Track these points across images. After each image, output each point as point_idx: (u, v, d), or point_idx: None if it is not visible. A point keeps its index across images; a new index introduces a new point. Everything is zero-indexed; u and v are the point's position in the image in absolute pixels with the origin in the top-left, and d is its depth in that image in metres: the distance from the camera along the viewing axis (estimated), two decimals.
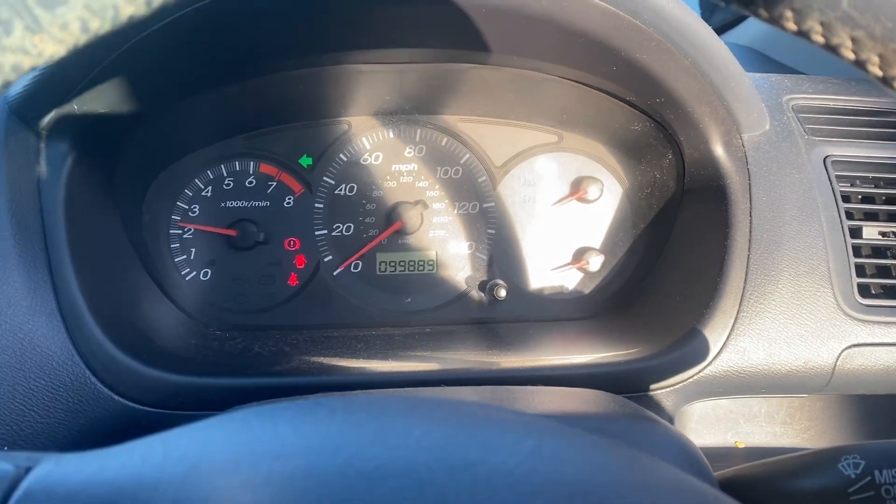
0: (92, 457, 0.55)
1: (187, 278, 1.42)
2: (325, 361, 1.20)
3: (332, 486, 0.49)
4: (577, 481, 0.53)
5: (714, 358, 1.17)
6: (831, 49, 0.48)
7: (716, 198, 1.24)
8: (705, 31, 1.11)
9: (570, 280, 1.48)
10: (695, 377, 1.17)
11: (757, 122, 1.24)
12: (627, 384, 1.17)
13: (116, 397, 1.09)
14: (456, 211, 1.47)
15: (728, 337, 1.17)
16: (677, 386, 1.18)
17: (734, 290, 1.17)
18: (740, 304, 1.17)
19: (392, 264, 1.46)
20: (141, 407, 1.11)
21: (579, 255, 1.46)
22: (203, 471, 0.51)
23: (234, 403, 1.11)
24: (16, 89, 1.09)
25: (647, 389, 1.18)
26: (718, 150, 1.23)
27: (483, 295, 1.46)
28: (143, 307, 1.27)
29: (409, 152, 1.46)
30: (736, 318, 1.17)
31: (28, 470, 0.53)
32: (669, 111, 1.22)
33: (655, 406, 1.19)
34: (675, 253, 1.35)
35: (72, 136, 1.13)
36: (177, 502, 0.49)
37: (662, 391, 1.18)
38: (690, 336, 1.18)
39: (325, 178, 1.45)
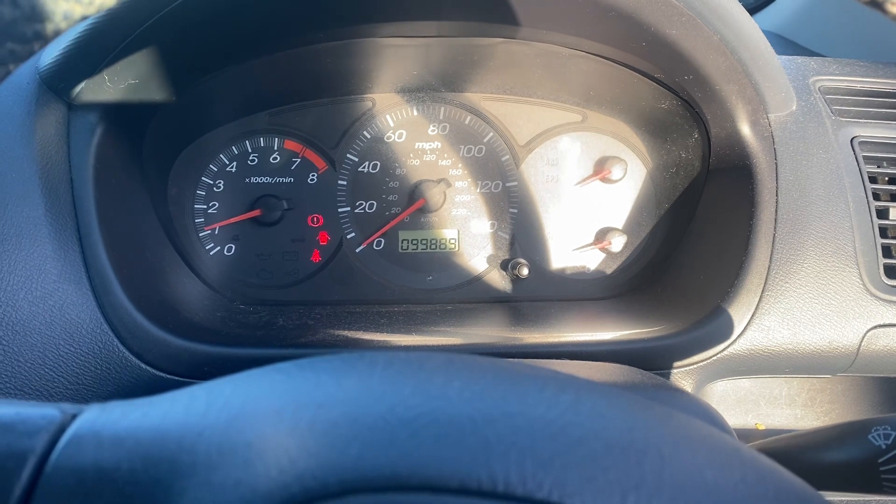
0: (136, 404, 0.56)
1: (211, 253, 1.43)
2: (349, 335, 1.21)
3: (375, 433, 0.50)
4: (615, 435, 0.53)
5: (738, 336, 1.16)
6: None
7: (742, 177, 1.24)
8: (736, 8, 1.10)
9: (592, 260, 1.48)
10: (718, 355, 1.17)
11: (784, 102, 1.23)
12: (650, 361, 1.17)
13: (143, 366, 1.10)
14: (479, 189, 1.47)
15: (752, 315, 1.16)
16: (701, 364, 1.18)
17: (759, 268, 1.17)
18: (765, 282, 1.17)
19: (414, 242, 1.46)
20: (167, 376, 1.12)
21: (602, 235, 1.46)
22: (247, 418, 0.52)
23: None
24: (47, 59, 1.10)
25: (670, 367, 1.18)
26: (745, 130, 1.23)
27: (505, 274, 1.46)
28: (169, 280, 1.28)
29: (433, 130, 1.46)
30: (761, 297, 1.17)
31: (74, 416, 0.54)
32: (697, 89, 1.22)
33: (680, 384, 1.19)
34: (699, 233, 1.34)
35: (101, 108, 1.14)
36: (221, 447, 0.50)
37: (685, 369, 1.18)
38: (714, 314, 1.17)
39: (348, 156, 1.45)
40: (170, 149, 1.38)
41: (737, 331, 1.17)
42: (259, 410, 0.52)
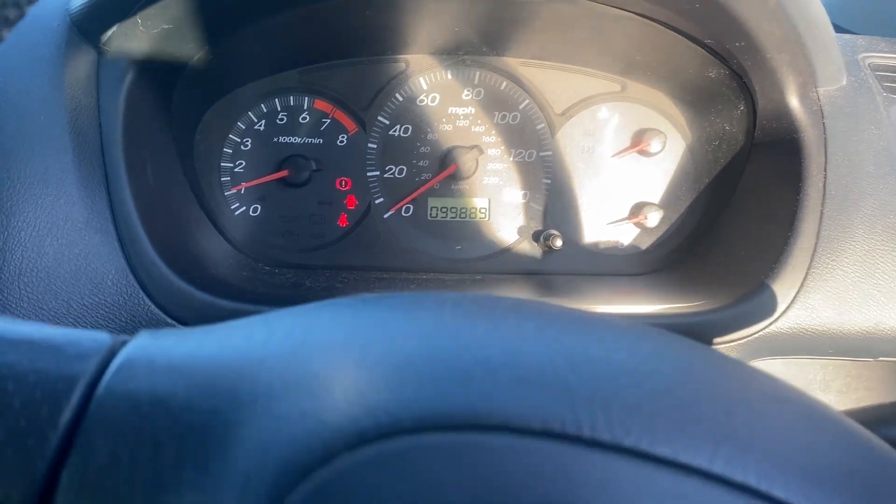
0: (190, 333, 0.52)
1: (237, 213, 1.40)
2: None
3: (450, 370, 0.46)
4: (702, 386, 0.50)
5: (782, 314, 1.12)
6: None
7: (789, 151, 1.19)
8: None
9: (627, 235, 1.44)
10: (760, 333, 1.13)
11: (834, 76, 1.19)
12: (696, 337, 1.13)
13: (169, 320, 1.07)
14: (512, 158, 1.43)
15: (797, 293, 1.12)
16: (741, 341, 1.14)
17: (806, 245, 1.13)
18: (811, 260, 1.13)
19: (443, 210, 1.43)
20: None
21: (637, 209, 1.42)
22: (312, 348, 0.48)
23: None
24: (78, 1, 1.06)
25: (710, 343, 1.14)
26: (794, 102, 1.18)
27: (536, 245, 1.42)
28: (195, 235, 1.24)
29: (467, 95, 1.42)
30: (806, 275, 1.12)
31: (125, 342, 0.50)
32: (747, 57, 1.17)
33: None
34: (740, 208, 1.30)
35: (131, 55, 1.10)
36: (284, 378, 0.46)
37: (724, 346, 1.14)
38: (758, 290, 1.13)
39: (379, 118, 1.41)
40: (198, 103, 1.34)
41: (780, 308, 1.13)
42: (324, 341, 0.49)
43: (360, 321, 0.51)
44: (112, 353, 0.48)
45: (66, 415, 0.45)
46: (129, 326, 1.05)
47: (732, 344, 1.14)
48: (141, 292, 1.06)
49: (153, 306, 1.06)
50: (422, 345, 0.48)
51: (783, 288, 1.13)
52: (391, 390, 0.45)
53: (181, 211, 1.23)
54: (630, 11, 1.19)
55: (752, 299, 1.13)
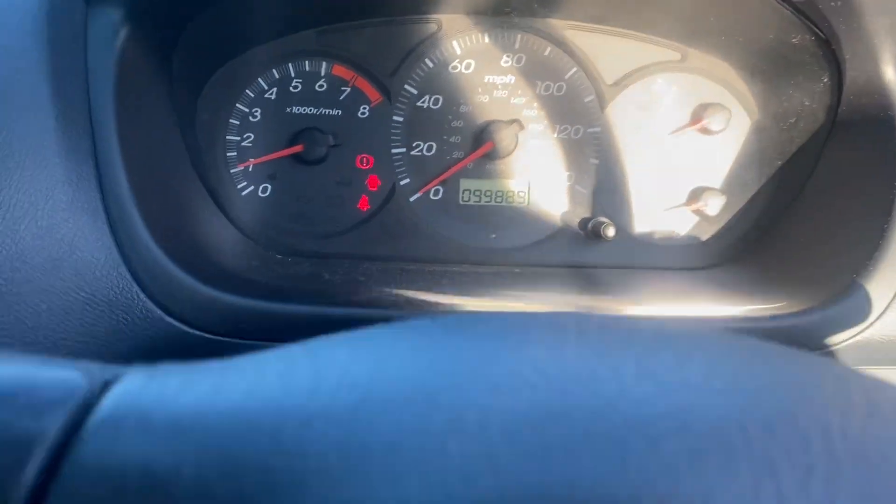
0: (200, 372, 0.36)
1: (244, 193, 1.23)
2: (410, 295, 1.01)
3: (597, 439, 0.30)
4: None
5: (877, 318, 0.98)
6: None
7: (881, 130, 1.04)
8: None
9: (684, 224, 1.28)
10: (851, 340, 0.98)
11: None
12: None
13: (167, 318, 0.92)
14: (556, 135, 1.26)
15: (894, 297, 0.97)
16: (830, 350, 0.99)
17: None
18: None
19: (477, 193, 1.27)
20: (195, 332, 0.93)
21: (696, 195, 1.26)
22: (383, 402, 0.32)
23: (306, 334, 0.92)
24: None
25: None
26: (890, 74, 1.03)
27: (582, 235, 1.26)
28: (197, 219, 1.08)
29: (506, 62, 1.25)
30: None
31: (107, 385, 0.34)
32: (841, 20, 1.01)
33: None
34: (819, 196, 1.14)
35: (126, 6, 0.93)
36: (344, 449, 0.31)
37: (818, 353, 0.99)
38: (849, 291, 0.98)
39: (406, 87, 1.24)
40: (202, 67, 1.18)
41: (875, 311, 0.98)
42: (402, 393, 0.33)
43: (446, 357, 0.35)
44: (87, 404, 0.33)
45: (18, 495, 0.30)
46: (121, 328, 0.90)
47: (819, 352, 0.99)
48: (135, 285, 0.90)
49: (149, 302, 0.91)
50: (546, 399, 0.32)
51: (879, 288, 0.98)
52: (515, 470, 0.29)
53: (181, 190, 1.07)
54: None
55: (843, 301, 0.98)
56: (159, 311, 0.91)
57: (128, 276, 0.89)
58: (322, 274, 1.10)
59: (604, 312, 1.04)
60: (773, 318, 1.00)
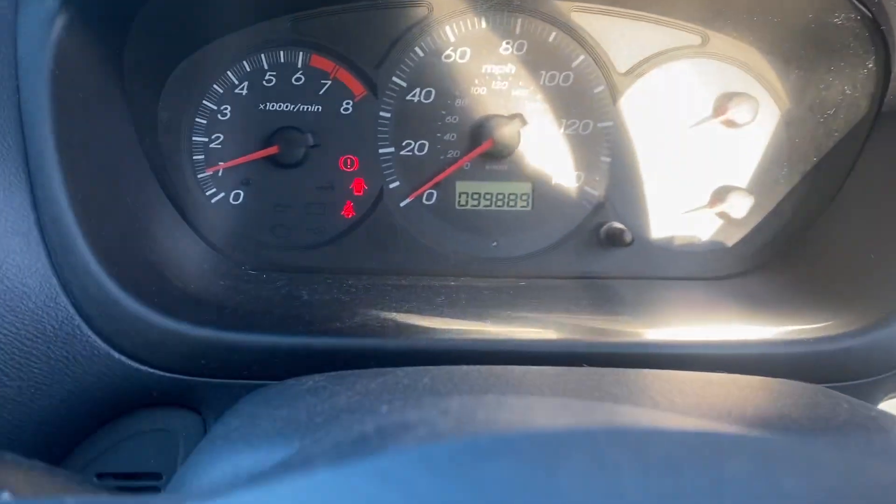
0: None
1: (213, 200, 1.10)
2: (398, 318, 0.88)
3: None
4: None
5: None
6: None
7: None
8: None
9: (707, 228, 1.15)
10: None
11: None
12: (818, 371, 0.85)
13: (117, 355, 0.79)
14: (562, 130, 1.13)
15: None
16: (885, 375, 0.86)
17: None
18: None
19: (476, 196, 1.14)
20: (151, 370, 0.80)
21: (720, 195, 1.13)
22: None
23: (279, 371, 0.80)
24: None
25: (845, 379, 0.86)
26: None
27: (593, 242, 1.13)
28: (156, 234, 0.95)
29: (506, 49, 1.12)
30: None
31: None
32: None
33: None
34: (860, 195, 1.02)
35: None
36: None
37: (863, 382, 0.87)
38: None
39: (394, 79, 1.11)
40: (162, 59, 1.04)
41: None
42: None
43: None
44: None
45: None
46: (62, 365, 0.77)
47: (873, 379, 0.86)
48: (77, 318, 0.77)
49: (95, 337, 0.78)
50: None
51: None
52: None
53: (138, 202, 0.93)
54: None
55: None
56: (106, 347, 0.78)
57: (68, 306, 0.77)
58: (300, 294, 0.97)
59: (620, 331, 0.91)
60: (819, 340, 0.87)
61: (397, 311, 0.92)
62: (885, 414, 0.69)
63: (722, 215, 1.14)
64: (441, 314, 0.92)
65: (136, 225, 0.91)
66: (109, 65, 0.91)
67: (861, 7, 0.93)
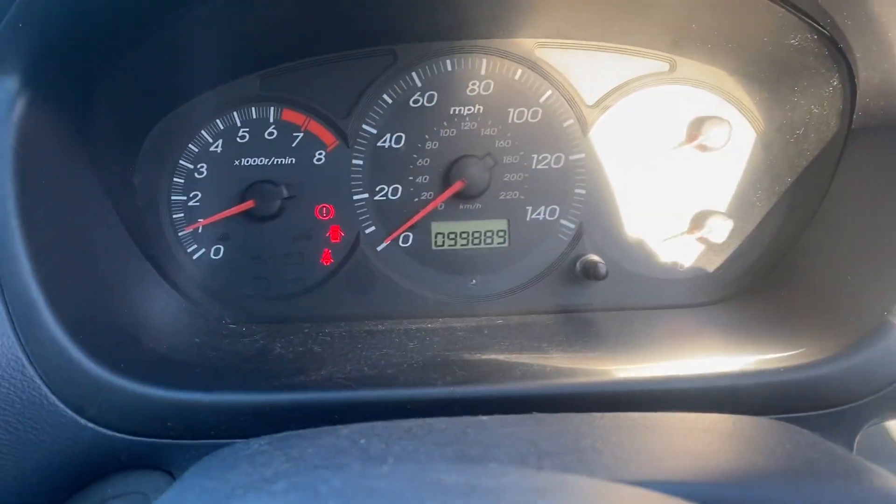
0: None
1: (195, 257, 1.13)
2: (366, 369, 0.88)
3: None
4: None
5: None
6: None
7: None
8: None
9: (688, 254, 1.13)
10: (889, 388, 0.83)
11: None
12: (793, 401, 0.83)
13: (83, 421, 0.80)
14: (534, 165, 1.14)
15: None
16: (863, 401, 0.83)
17: None
18: None
19: (452, 236, 1.14)
20: (119, 435, 0.82)
21: (699, 221, 1.12)
22: None
23: (245, 429, 0.80)
24: None
25: (822, 407, 0.84)
26: None
27: (571, 275, 1.12)
28: (131, 296, 0.97)
29: (473, 90, 1.13)
30: None
31: None
32: (846, 14, 0.87)
33: (831, 430, 0.85)
34: (838, 215, 1.00)
35: (22, 69, 0.83)
36: None
37: (841, 409, 0.84)
38: (882, 330, 0.83)
39: (364, 127, 1.13)
40: (134, 126, 1.07)
41: None
42: None
43: None
44: None
45: None
46: (27, 433, 0.79)
47: (849, 406, 0.84)
48: (43, 386, 0.79)
49: (61, 404, 0.80)
50: None
51: None
52: None
53: (112, 265, 0.96)
54: None
55: (874, 344, 0.83)
56: (73, 414, 0.80)
57: (34, 377, 0.79)
58: (274, 347, 0.98)
59: (601, 369, 0.90)
60: (790, 369, 0.85)
61: (366, 360, 0.92)
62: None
63: (702, 241, 1.12)
64: (410, 361, 0.92)
65: (108, 291, 0.93)
66: (78, 136, 0.94)
67: (816, 27, 0.91)
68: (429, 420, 0.69)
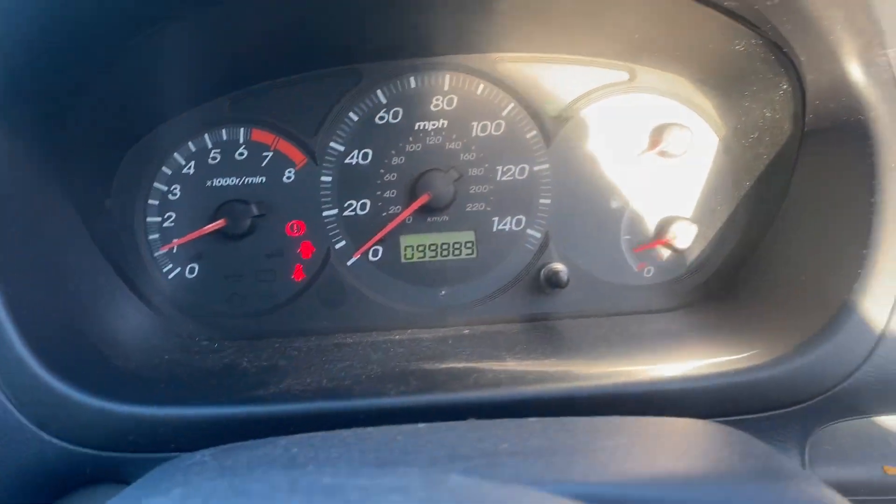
0: None
1: (171, 276, 1.16)
2: (324, 382, 0.90)
3: None
4: None
5: (866, 359, 0.83)
6: None
7: (854, 138, 0.90)
8: None
9: (653, 260, 1.15)
10: (837, 388, 0.83)
11: None
12: (743, 402, 0.84)
13: (47, 437, 0.83)
14: (499, 177, 1.15)
15: (884, 329, 0.83)
16: (812, 402, 0.84)
17: (889, 262, 0.84)
18: None
19: (420, 249, 1.16)
20: (82, 449, 0.84)
21: (664, 227, 1.13)
22: None
23: (202, 443, 0.83)
24: None
25: (771, 409, 0.84)
26: (855, 73, 0.89)
27: (538, 283, 1.14)
28: (103, 315, 1.00)
29: (437, 105, 1.15)
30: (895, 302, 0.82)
31: None
32: (785, 19, 0.88)
33: (782, 431, 0.85)
34: (796, 217, 1.00)
35: None
36: None
37: (789, 411, 0.84)
38: (829, 330, 0.84)
39: (332, 145, 1.16)
40: (107, 152, 1.11)
41: (862, 352, 0.83)
42: None
43: None
44: None
45: None
46: None
47: (799, 408, 0.84)
48: (7, 402, 0.82)
49: (25, 421, 0.83)
50: None
51: (864, 324, 0.84)
52: None
53: (84, 286, 0.99)
54: None
55: (822, 345, 0.84)
56: (37, 430, 0.83)
57: None
58: (241, 362, 1.00)
59: (562, 373, 0.91)
60: (746, 370, 0.85)
61: (327, 373, 0.94)
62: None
63: (667, 246, 1.13)
64: (370, 372, 0.94)
65: (78, 311, 0.96)
66: (50, 163, 0.97)
67: (758, 32, 0.92)
68: (368, 429, 0.71)
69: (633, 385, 0.85)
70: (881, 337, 0.82)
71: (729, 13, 0.91)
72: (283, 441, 0.69)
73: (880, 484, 1.04)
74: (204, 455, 0.69)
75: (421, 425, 0.70)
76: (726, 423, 0.85)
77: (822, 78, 0.92)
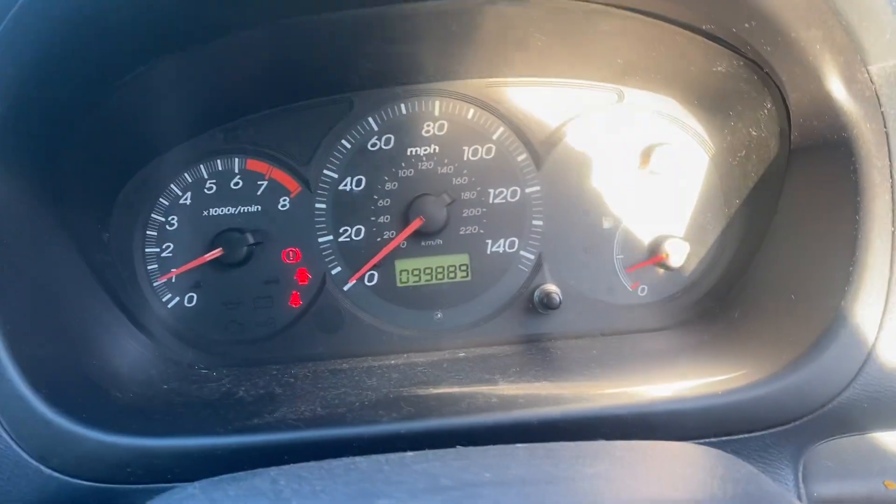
0: None
1: (170, 306, 1.17)
2: (318, 409, 0.91)
3: None
4: None
5: (856, 376, 0.83)
6: None
7: (838, 155, 0.90)
8: None
9: (646, 279, 1.15)
10: (827, 406, 0.84)
11: (889, 48, 0.88)
12: (734, 422, 0.84)
13: (48, 471, 0.84)
14: (491, 200, 1.17)
15: (874, 344, 0.83)
16: (804, 420, 0.84)
17: (877, 278, 0.84)
18: (887, 297, 0.83)
19: (415, 273, 1.17)
20: (82, 482, 0.85)
21: (656, 245, 1.14)
22: None
23: (199, 474, 0.84)
24: None
25: (763, 428, 0.85)
26: (837, 90, 0.89)
27: (532, 305, 1.15)
28: (101, 347, 1.02)
29: (428, 131, 1.17)
30: (883, 318, 0.83)
31: None
32: (764, 41, 0.89)
33: (774, 450, 0.85)
34: (784, 235, 1.01)
35: None
36: None
37: (782, 429, 0.85)
38: (817, 349, 0.84)
39: (325, 172, 1.17)
40: (105, 183, 1.13)
41: (853, 369, 0.83)
42: None
43: None
44: None
45: None
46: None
47: (791, 426, 0.85)
48: (6, 436, 0.83)
49: (24, 455, 0.84)
50: None
51: (853, 341, 0.84)
52: None
53: (81, 318, 1.01)
54: (603, 3, 0.91)
55: (813, 361, 0.85)
56: (37, 464, 0.84)
57: None
58: (237, 390, 1.02)
59: (556, 395, 0.92)
60: (737, 390, 0.86)
61: (322, 400, 0.95)
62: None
63: (660, 264, 1.14)
64: (364, 399, 0.95)
65: (77, 343, 0.98)
66: (46, 197, 0.99)
67: (738, 53, 0.93)
68: (357, 458, 0.72)
69: (624, 408, 0.86)
70: (869, 354, 0.83)
71: (709, 36, 0.92)
72: (273, 472, 0.70)
73: (882, 499, 1.04)
74: (194, 488, 0.70)
75: (409, 454, 0.71)
76: (719, 443, 0.86)
77: (805, 97, 0.93)
